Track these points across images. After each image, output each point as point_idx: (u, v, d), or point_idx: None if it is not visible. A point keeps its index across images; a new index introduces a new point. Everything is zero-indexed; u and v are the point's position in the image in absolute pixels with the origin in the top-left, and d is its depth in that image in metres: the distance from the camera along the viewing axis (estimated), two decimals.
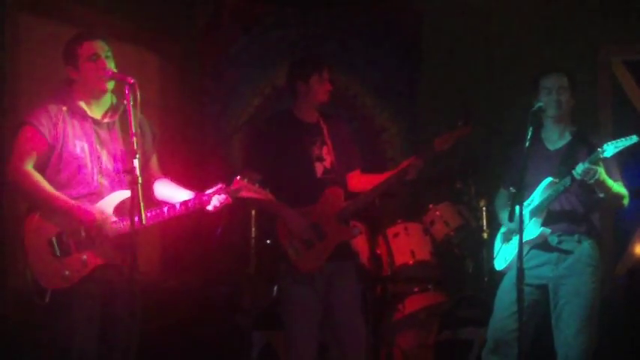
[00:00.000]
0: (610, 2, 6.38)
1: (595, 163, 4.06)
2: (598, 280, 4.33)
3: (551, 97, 4.32)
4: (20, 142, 3.73)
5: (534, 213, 4.34)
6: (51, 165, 3.74)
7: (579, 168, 4.09)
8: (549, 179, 4.30)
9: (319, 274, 4.46)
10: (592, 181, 4.09)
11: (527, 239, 4.31)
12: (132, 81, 3.57)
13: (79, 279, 3.69)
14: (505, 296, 4.38)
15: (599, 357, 4.37)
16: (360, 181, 4.73)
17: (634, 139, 4.01)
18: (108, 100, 3.89)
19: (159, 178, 4.10)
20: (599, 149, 4.05)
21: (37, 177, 3.69)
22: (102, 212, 3.72)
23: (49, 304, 3.64)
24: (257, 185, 3.95)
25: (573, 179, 4.15)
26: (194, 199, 3.86)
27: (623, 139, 4.02)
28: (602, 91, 6.45)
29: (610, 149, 4.02)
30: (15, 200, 4.08)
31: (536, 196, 4.34)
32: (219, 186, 3.89)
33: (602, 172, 4.10)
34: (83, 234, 3.70)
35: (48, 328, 3.72)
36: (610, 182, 4.18)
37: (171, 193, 3.99)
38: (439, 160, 4.56)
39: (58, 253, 3.68)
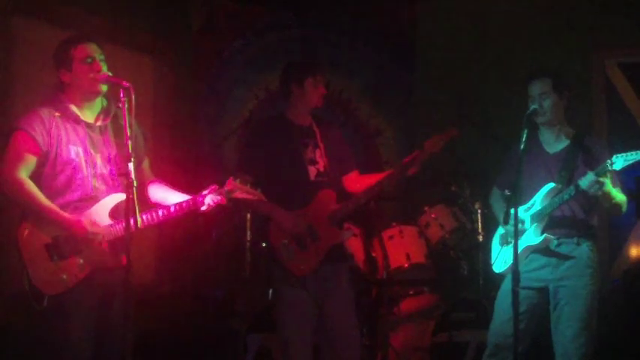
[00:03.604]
0: (604, 5, 6.39)
1: (602, 175, 4.01)
2: (597, 281, 4.31)
3: (534, 105, 4.32)
4: (13, 148, 3.69)
5: (535, 218, 4.32)
6: (46, 171, 3.72)
7: (586, 180, 4.04)
8: (551, 185, 4.28)
9: (313, 276, 4.45)
10: (599, 192, 4.06)
11: (530, 244, 4.30)
12: (127, 84, 3.55)
13: (75, 283, 3.67)
14: (505, 300, 4.35)
15: (597, 358, 4.36)
16: (360, 182, 4.73)
17: None
18: (99, 103, 3.88)
19: (152, 181, 4.09)
20: (607, 161, 3.97)
21: (31, 186, 3.66)
22: (93, 223, 3.71)
23: (46, 309, 3.62)
24: (249, 186, 3.95)
25: (577, 189, 4.12)
26: (188, 200, 3.85)
27: (633, 152, 3.93)
28: (597, 93, 6.47)
29: (619, 162, 3.94)
30: (10, 205, 4.06)
31: (537, 201, 4.32)
32: (213, 187, 3.89)
33: (609, 184, 4.06)
34: (79, 238, 3.69)
35: (44, 333, 3.70)
36: (614, 192, 4.15)
37: (165, 195, 3.99)
38: (434, 163, 4.56)
39: (55, 258, 3.66)
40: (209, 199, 3.86)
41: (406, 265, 5.41)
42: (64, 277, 3.66)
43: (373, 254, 5.24)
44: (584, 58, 6.43)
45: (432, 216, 5.63)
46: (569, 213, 4.32)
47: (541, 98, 4.31)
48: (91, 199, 3.76)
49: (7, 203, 4.01)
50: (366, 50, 6.99)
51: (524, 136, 4.06)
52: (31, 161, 3.69)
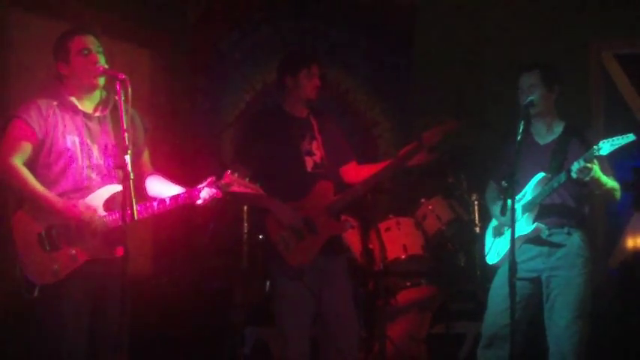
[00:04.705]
0: None
1: (590, 161, 4.03)
2: (589, 271, 4.33)
3: (524, 97, 4.33)
4: (9, 136, 3.71)
5: (526, 208, 4.34)
6: (41, 159, 3.73)
7: (574, 167, 4.06)
8: (541, 174, 4.30)
9: (311, 269, 4.46)
10: (587, 179, 4.07)
11: (521, 234, 4.31)
12: (123, 77, 3.55)
13: (68, 274, 3.67)
14: (498, 291, 4.39)
15: (592, 349, 4.38)
16: (358, 173, 4.73)
17: (631, 137, 3.96)
18: (98, 94, 3.88)
19: (150, 173, 4.08)
20: (594, 147, 4.01)
21: (25, 173, 3.67)
22: (88, 208, 3.71)
23: (37, 299, 3.63)
24: (247, 179, 3.95)
25: (568, 175, 4.14)
26: (183, 193, 3.85)
27: (619, 137, 3.97)
28: (594, 84, 6.48)
29: (606, 147, 3.98)
30: (4, 194, 4.07)
31: (528, 191, 4.34)
32: (210, 179, 3.88)
33: (597, 170, 4.08)
34: (72, 228, 3.70)
35: (37, 324, 3.71)
36: (604, 179, 4.17)
37: (163, 189, 3.98)
38: (430, 154, 4.57)
39: (47, 248, 3.66)
40: (205, 193, 3.85)
41: (403, 257, 5.41)
42: (56, 267, 3.66)
43: (370, 246, 5.24)
44: (581, 49, 6.43)
45: (429, 208, 5.63)
46: (559, 200, 4.34)
47: (529, 91, 4.33)
48: (86, 189, 3.76)
49: (3, 191, 4.01)
50: (363, 42, 6.98)
51: (521, 127, 4.07)
52: (26, 148, 3.69)
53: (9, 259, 3.78)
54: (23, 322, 3.90)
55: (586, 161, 4.03)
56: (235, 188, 3.92)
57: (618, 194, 4.34)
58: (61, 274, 3.66)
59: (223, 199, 3.92)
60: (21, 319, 3.96)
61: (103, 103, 3.89)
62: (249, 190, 3.96)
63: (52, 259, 3.66)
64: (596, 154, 4.01)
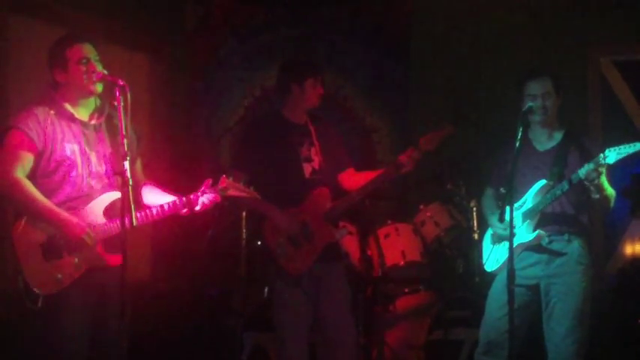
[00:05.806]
0: (599, 2, 6.40)
1: (600, 165, 4.04)
2: (589, 278, 4.32)
3: (536, 104, 4.31)
4: (9, 147, 3.67)
5: (527, 216, 4.33)
6: (41, 168, 3.71)
7: (584, 169, 4.05)
8: (543, 182, 4.29)
9: (308, 275, 4.46)
10: (596, 181, 4.08)
11: (522, 242, 4.31)
12: (122, 83, 3.55)
13: (71, 282, 3.67)
14: (497, 298, 4.38)
15: (590, 355, 4.37)
16: (355, 180, 4.73)
17: (638, 146, 3.95)
18: (93, 102, 3.87)
19: (145, 183, 4.08)
20: (600, 155, 4.01)
21: (27, 185, 3.65)
22: (90, 225, 3.70)
23: (41, 309, 3.61)
24: (242, 184, 3.96)
25: (571, 184, 4.14)
26: (181, 199, 3.86)
27: (626, 145, 3.96)
28: (592, 91, 6.46)
29: (612, 156, 3.97)
30: (3, 204, 4.05)
31: (529, 199, 4.33)
32: (207, 182, 3.89)
33: (604, 174, 4.09)
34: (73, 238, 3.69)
35: (39, 333, 3.69)
36: (606, 184, 4.18)
37: (157, 198, 3.97)
38: (428, 161, 4.57)
39: (49, 257, 3.65)
40: (204, 198, 3.87)
41: (402, 263, 5.41)
42: (59, 276, 3.65)
43: (368, 252, 5.23)
44: (580, 55, 6.42)
45: (428, 214, 5.63)
46: (559, 209, 4.33)
47: (544, 98, 4.31)
48: (86, 196, 3.76)
49: (3, 201, 4.00)
50: (361, 48, 6.98)
51: (520, 133, 4.06)
52: (27, 160, 3.67)
53: (9, 269, 3.76)
54: (24, 333, 3.89)
55: (596, 165, 4.03)
56: (232, 192, 3.95)
57: (613, 202, 4.34)
58: (64, 283, 3.66)
59: (222, 203, 3.93)
60: (21, 329, 3.95)
61: (98, 111, 3.88)
62: (244, 195, 3.99)
63: (55, 268, 3.65)
64: (602, 162, 4.01)
